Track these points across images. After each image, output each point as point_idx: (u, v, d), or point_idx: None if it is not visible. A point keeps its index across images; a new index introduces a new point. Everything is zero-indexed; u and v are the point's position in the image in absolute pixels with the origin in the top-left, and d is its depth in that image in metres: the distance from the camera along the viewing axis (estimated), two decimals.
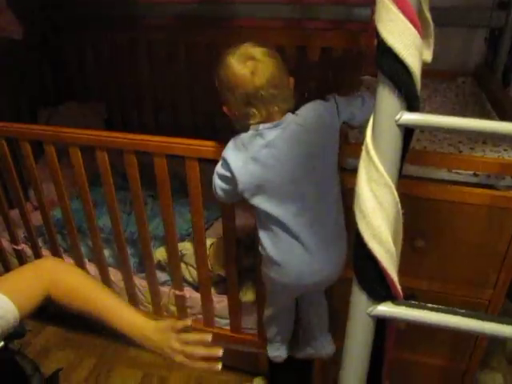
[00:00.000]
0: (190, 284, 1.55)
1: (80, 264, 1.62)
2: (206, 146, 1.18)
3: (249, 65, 0.97)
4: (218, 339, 0.96)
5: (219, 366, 0.92)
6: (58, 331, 1.94)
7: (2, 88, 1.94)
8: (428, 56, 0.60)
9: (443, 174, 1.05)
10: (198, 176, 1.23)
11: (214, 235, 1.52)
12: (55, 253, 1.66)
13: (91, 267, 1.66)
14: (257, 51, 0.98)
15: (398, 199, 0.59)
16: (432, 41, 0.60)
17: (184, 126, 2.09)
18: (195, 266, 1.47)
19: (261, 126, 1.01)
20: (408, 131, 0.59)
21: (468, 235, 1.08)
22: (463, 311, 0.61)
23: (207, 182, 1.16)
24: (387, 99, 0.55)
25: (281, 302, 1.27)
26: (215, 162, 1.10)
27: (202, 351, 0.92)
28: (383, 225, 0.58)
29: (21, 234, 1.74)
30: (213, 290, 1.50)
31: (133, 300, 1.60)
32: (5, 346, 0.87)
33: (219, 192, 1.09)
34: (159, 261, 1.54)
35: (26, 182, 1.68)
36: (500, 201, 1.02)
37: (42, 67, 2.17)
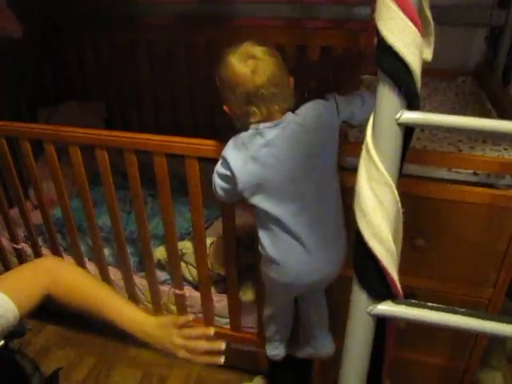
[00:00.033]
0: (189, 283, 1.55)
1: (80, 263, 1.62)
2: (205, 145, 1.18)
3: (249, 63, 0.97)
4: (217, 338, 0.96)
5: (222, 359, 0.93)
6: (57, 330, 1.94)
7: (1, 87, 1.94)
8: (428, 54, 0.60)
9: (443, 173, 1.05)
10: (197, 175, 1.23)
11: (213, 234, 1.52)
12: (55, 252, 1.66)
13: (91, 266, 1.66)
14: (257, 50, 0.98)
15: (398, 198, 0.59)
16: (432, 39, 0.60)
17: (184, 125, 2.09)
18: (195, 264, 1.47)
19: (261, 125, 1.01)
20: (408, 130, 0.59)
21: (468, 234, 1.08)
22: (463, 310, 0.61)
23: (207, 181, 1.16)
24: (387, 98, 0.55)
25: (280, 301, 1.27)
26: (215, 160, 1.10)
27: (204, 345, 0.92)
28: (383, 224, 0.58)
29: (21, 232, 1.74)
30: (213, 289, 1.50)
31: (133, 299, 1.60)
32: (5, 345, 0.87)
33: (219, 191, 1.09)
34: (159, 260, 1.54)
35: (26, 180, 1.68)
36: (500, 200, 1.02)
37: (42, 67, 2.17)
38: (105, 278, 1.61)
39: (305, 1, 1.69)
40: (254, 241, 1.16)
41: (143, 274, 1.58)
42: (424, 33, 0.56)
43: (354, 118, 1.08)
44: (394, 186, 0.58)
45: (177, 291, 1.52)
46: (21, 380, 1.00)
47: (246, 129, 1.03)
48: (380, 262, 0.60)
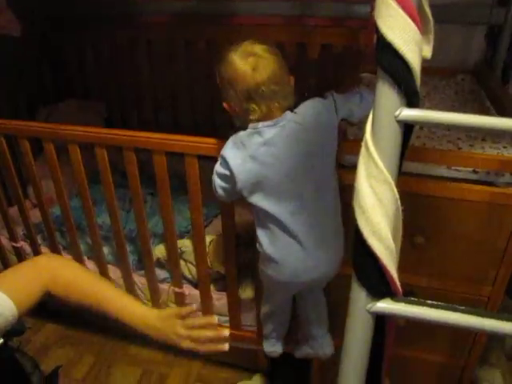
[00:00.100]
0: (189, 281, 1.55)
1: (79, 261, 1.62)
2: (205, 143, 1.18)
3: (250, 61, 0.97)
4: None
5: (227, 346, 0.93)
6: (57, 328, 1.95)
7: (1, 86, 1.94)
8: (427, 52, 0.60)
9: (442, 171, 1.05)
10: (197, 173, 1.23)
11: (213, 232, 1.52)
12: (54, 250, 1.66)
13: (90, 264, 1.66)
14: (258, 48, 0.99)
15: (397, 196, 0.59)
16: (432, 37, 0.60)
17: (184, 124, 2.09)
18: (194, 263, 1.47)
19: (260, 124, 1.01)
20: (407, 128, 0.59)
21: (467, 232, 1.08)
22: (463, 308, 0.61)
23: (206, 180, 1.16)
24: (387, 95, 0.55)
25: (278, 299, 1.28)
26: (214, 159, 1.10)
27: (208, 334, 0.92)
28: (383, 221, 0.58)
29: (20, 231, 1.74)
30: (212, 287, 1.50)
31: None
32: (4, 344, 0.87)
33: (219, 191, 1.10)
34: (158, 258, 1.54)
35: (25, 179, 1.68)
36: (499, 197, 1.03)
37: (42, 66, 2.16)
38: (104, 276, 1.61)
39: None
40: (254, 239, 1.16)
41: (142, 272, 1.58)
42: (423, 30, 0.56)
43: (353, 115, 1.08)
44: (393, 183, 0.58)
45: (176, 289, 1.52)
46: (20, 378, 1.00)
47: (245, 127, 1.03)
48: (379, 259, 0.59)
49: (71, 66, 2.18)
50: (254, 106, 1.00)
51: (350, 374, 0.70)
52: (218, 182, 1.09)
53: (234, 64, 0.99)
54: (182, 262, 1.51)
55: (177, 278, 1.50)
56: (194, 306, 0.98)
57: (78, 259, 1.62)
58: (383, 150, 0.57)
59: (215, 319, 0.94)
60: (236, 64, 0.98)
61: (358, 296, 0.64)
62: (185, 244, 1.50)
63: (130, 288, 1.60)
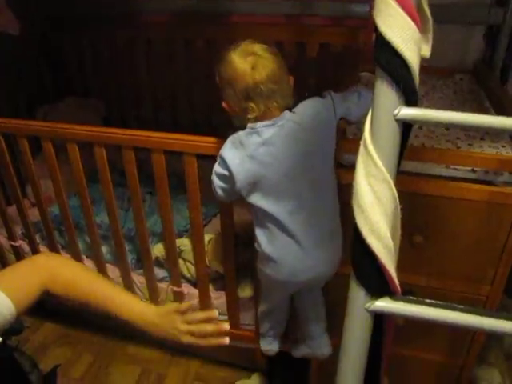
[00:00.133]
0: (188, 280, 1.55)
1: (78, 260, 1.62)
2: (204, 142, 1.18)
3: (249, 60, 0.98)
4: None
5: (227, 339, 0.93)
6: (56, 328, 1.94)
7: (0, 86, 1.93)
8: (426, 51, 0.60)
9: (441, 170, 1.06)
10: (196, 172, 1.23)
11: (212, 231, 1.52)
12: (53, 249, 1.66)
13: (89, 263, 1.66)
14: (258, 47, 0.99)
15: (396, 194, 0.59)
16: (431, 36, 0.60)
17: (183, 123, 2.09)
18: (193, 262, 1.47)
19: (258, 124, 1.01)
20: (406, 126, 0.59)
21: (466, 231, 1.08)
22: (461, 307, 0.61)
23: (205, 179, 1.16)
24: (385, 94, 0.55)
25: (276, 298, 1.28)
26: (213, 158, 1.09)
27: (208, 328, 0.93)
28: (381, 220, 0.58)
29: (18, 230, 1.74)
30: (211, 287, 1.50)
31: None
32: (3, 343, 0.87)
33: (219, 191, 1.10)
34: (157, 257, 1.54)
35: (24, 178, 1.67)
36: (498, 197, 1.03)
37: (42, 65, 2.16)
38: (103, 275, 1.61)
39: None
40: (252, 238, 1.16)
41: (141, 271, 1.58)
42: (422, 29, 0.56)
43: (351, 113, 1.08)
44: (392, 182, 0.58)
45: (175, 288, 1.52)
46: (19, 377, 1.00)
47: (244, 126, 1.03)
48: (378, 258, 0.59)
49: (71, 66, 2.18)
50: (253, 105, 1.00)
51: (348, 372, 0.70)
52: (217, 183, 1.09)
53: (233, 63, 0.99)
54: (180, 261, 1.51)
55: (175, 277, 1.50)
56: (196, 301, 0.98)
57: (77, 258, 1.62)
58: (382, 148, 0.57)
59: (215, 313, 0.94)
60: (235, 63, 0.98)
61: (357, 295, 0.64)
62: (183, 243, 1.50)
63: (128, 287, 1.60)
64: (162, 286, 1.56)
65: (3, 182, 1.61)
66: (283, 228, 1.05)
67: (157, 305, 1.57)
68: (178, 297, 1.53)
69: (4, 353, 0.95)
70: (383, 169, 0.57)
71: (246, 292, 1.44)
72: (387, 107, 0.56)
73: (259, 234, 1.09)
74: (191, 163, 1.22)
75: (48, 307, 1.73)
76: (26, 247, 1.73)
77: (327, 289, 1.25)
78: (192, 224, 1.34)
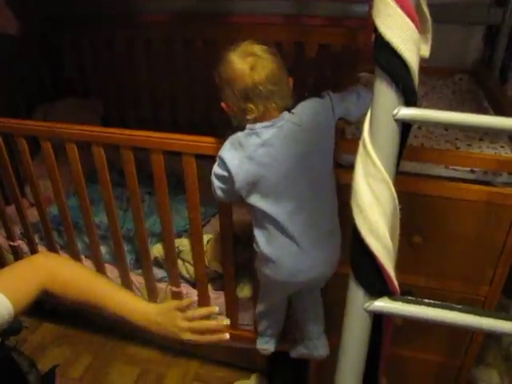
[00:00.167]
0: (186, 280, 1.55)
1: (76, 260, 1.61)
2: (203, 142, 1.18)
3: (249, 60, 0.98)
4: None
5: (227, 335, 0.93)
6: (54, 328, 1.94)
7: (0, 85, 1.93)
8: (425, 51, 0.60)
9: (440, 171, 1.06)
10: (195, 172, 1.23)
11: (211, 231, 1.52)
12: (51, 249, 1.65)
13: (88, 264, 1.65)
14: (257, 48, 0.99)
15: (395, 194, 0.59)
16: (430, 36, 0.60)
17: (182, 123, 2.09)
18: (192, 262, 1.46)
19: (257, 125, 1.01)
20: (405, 127, 0.59)
21: (465, 231, 1.08)
22: (460, 307, 0.61)
23: (204, 179, 1.16)
24: (384, 94, 0.55)
25: (274, 298, 1.28)
26: (212, 158, 1.09)
27: (209, 324, 0.93)
28: (380, 220, 0.58)
29: (17, 230, 1.74)
30: (210, 287, 1.50)
31: None
32: (1, 343, 0.87)
33: (218, 192, 1.10)
34: (156, 257, 1.54)
35: (23, 178, 1.67)
36: (497, 197, 1.03)
37: (41, 65, 2.16)
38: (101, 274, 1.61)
39: None
40: (251, 238, 1.16)
41: (140, 271, 1.58)
42: (421, 29, 0.56)
43: (350, 114, 1.08)
44: (391, 182, 0.58)
45: (174, 289, 1.51)
46: (17, 377, 1.00)
47: (242, 127, 1.03)
48: (377, 258, 0.59)
49: (70, 65, 2.17)
50: (252, 105, 1.00)
51: (347, 372, 0.70)
52: (216, 184, 1.09)
53: (232, 63, 0.99)
54: (179, 262, 1.51)
55: (174, 278, 1.50)
56: (196, 298, 0.99)
57: (76, 258, 1.62)
58: (381, 148, 0.57)
59: (216, 309, 0.95)
60: (234, 63, 0.98)
61: (356, 295, 0.64)
62: (182, 243, 1.50)
63: (127, 287, 1.59)
64: (161, 286, 1.56)
65: (2, 181, 1.60)
66: (282, 229, 1.05)
67: None
68: (177, 297, 1.53)
69: (2, 353, 0.95)
70: (382, 169, 0.57)
71: (244, 292, 1.44)
72: (386, 107, 0.56)
73: (258, 234, 1.09)
74: (190, 163, 1.22)
75: (47, 307, 1.73)
76: (24, 247, 1.73)
77: (325, 289, 1.25)
78: (191, 224, 1.34)
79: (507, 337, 1.47)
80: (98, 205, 1.59)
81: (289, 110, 1.02)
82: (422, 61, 0.57)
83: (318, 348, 1.32)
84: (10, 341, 1.00)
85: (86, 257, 1.68)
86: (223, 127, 1.10)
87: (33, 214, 1.68)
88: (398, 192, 0.59)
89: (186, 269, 1.52)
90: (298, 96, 1.06)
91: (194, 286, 1.53)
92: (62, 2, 2.02)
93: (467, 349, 1.26)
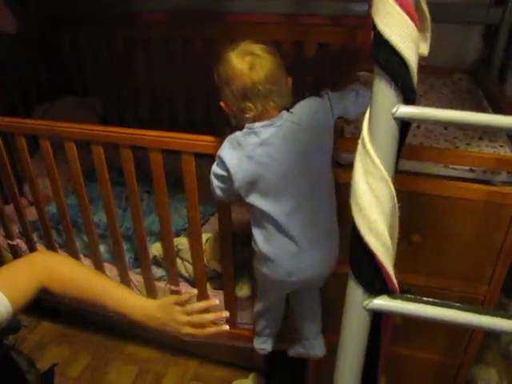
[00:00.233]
0: (185, 279, 1.55)
1: (75, 259, 1.61)
2: (202, 141, 1.18)
3: (248, 60, 0.98)
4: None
5: (227, 326, 0.93)
6: (53, 327, 1.94)
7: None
8: (425, 49, 0.60)
9: (440, 170, 1.06)
10: (193, 171, 1.23)
11: (209, 230, 1.52)
12: (50, 248, 1.65)
13: (86, 262, 1.65)
14: (256, 47, 0.99)
15: (394, 193, 0.59)
16: (429, 34, 0.60)
17: (181, 122, 2.09)
18: (191, 261, 1.46)
19: (256, 124, 1.01)
20: (404, 125, 0.59)
21: (464, 230, 1.08)
22: (459, 305, 0.61)
23: (203, 177, 1.16)
24: (383, 92, 0.55)
25: (272, 297, 1.28)
26: (211, 157, 1.09)
27: (208, 317, 0.93)
28: (379, 218, 0.58)
29: (16, 229, 1.74)
30: (208, 286, 1.50)
31: None
32: (0, 342, 0.87)
33: (218, 192, 1.10)
34: (155, 256, 1.54)
35: (21, 176, 1.67)
36: (496, 196, 1.03)
37: (40, 64, 2.16)
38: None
39: None
40: (250, 237, 1.16)
41: (139, 270, 1.58)
42: (420, 28, 0.56)
43: (349, 112, 1.08)
44: (390, 180, 0.58)
45: (172, 287, 1.51)
46: (16, 376, 1.00)
47: (241, 126, 1.03)
48: (376, 256, 0.60)
49: (69, 65, 2.17)
50: (250, 104, 1.00)
51: (346, 370, 0.70)
52: (215, 183, 1.09)
53: (231, 63, 0.99)
54: (178, 260, 1.51)
55: (173, 276, 1.50)
56: (195, 292, 0.99)
57: (74, 257, 1.61)
58: (380, 147, 0.57)
59: (216, 301, 0.95)
60: (233, 63, 0.98)
61: (355, 293, 0.64)
62: (181, 242, 1.50)
63: (126, 286, 1.60)
64: (160, 285, 1.56)
65: (0, 180, 1.60)
66: (280, 228, 1.05)
67: None
68: None
69: (1, 352, 0.95)
70: (381, 167, 0.57)
71: (243, 291, 1.44)
72: (385, 105, 0.56)
73: (256, 233, 1.09)
74: (189, 162, 1.22)
75: (45, 306, 1.73)
76: (23, 246, 1.73)
77: (324, 287, 1.25)
78: (190, 223, 1.34)
79: (506, 335, 1.47)
80: (96, 203, 1.58)
81: (288, 110, 1.02)
82: (421, 59, 0.57)
83: (315, 348, 1.32)
84: (8, 339, 1.00)
85: (84, 255, 1.68)
86: (222, 126, 1.10)
87: (31, 213, 1.68)
88: (397, 191, 0.59)
89: (184, 268, 1.52)
90: (297, 95, 1.06)
91: (192, 284, 1.52)
92: (61, 2, 2.02)
93: (466, 347, 1.26)
